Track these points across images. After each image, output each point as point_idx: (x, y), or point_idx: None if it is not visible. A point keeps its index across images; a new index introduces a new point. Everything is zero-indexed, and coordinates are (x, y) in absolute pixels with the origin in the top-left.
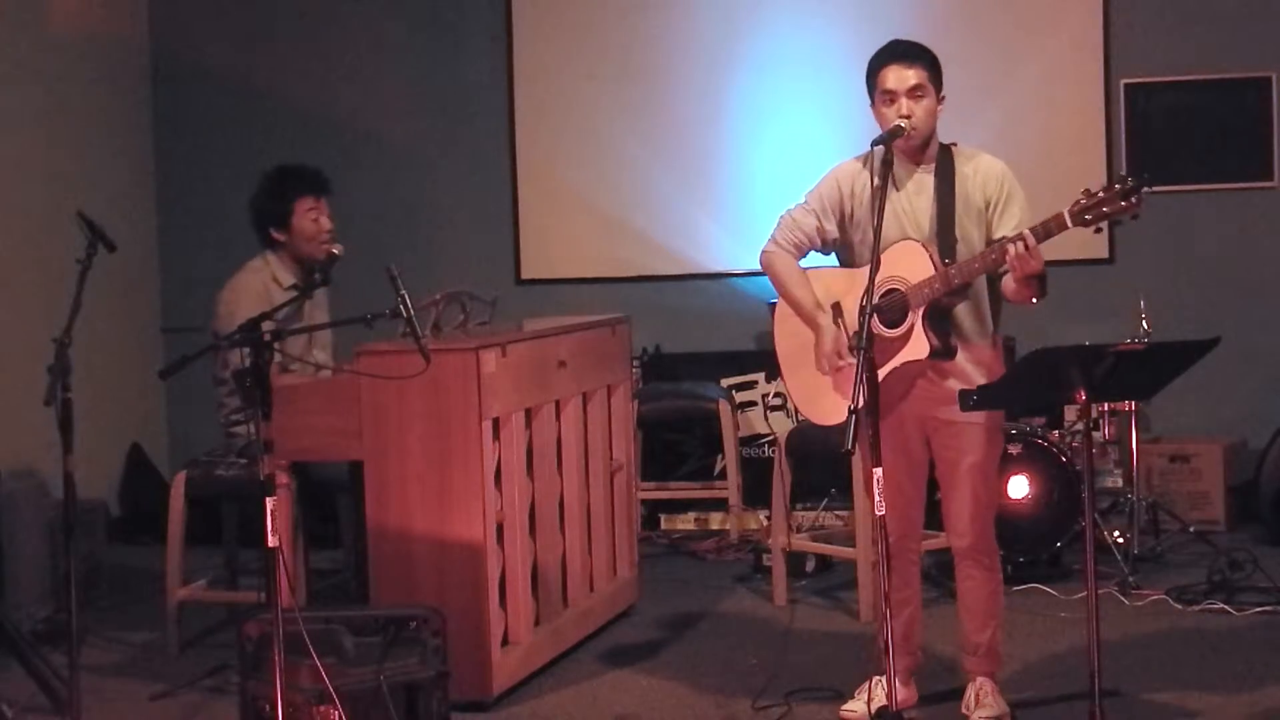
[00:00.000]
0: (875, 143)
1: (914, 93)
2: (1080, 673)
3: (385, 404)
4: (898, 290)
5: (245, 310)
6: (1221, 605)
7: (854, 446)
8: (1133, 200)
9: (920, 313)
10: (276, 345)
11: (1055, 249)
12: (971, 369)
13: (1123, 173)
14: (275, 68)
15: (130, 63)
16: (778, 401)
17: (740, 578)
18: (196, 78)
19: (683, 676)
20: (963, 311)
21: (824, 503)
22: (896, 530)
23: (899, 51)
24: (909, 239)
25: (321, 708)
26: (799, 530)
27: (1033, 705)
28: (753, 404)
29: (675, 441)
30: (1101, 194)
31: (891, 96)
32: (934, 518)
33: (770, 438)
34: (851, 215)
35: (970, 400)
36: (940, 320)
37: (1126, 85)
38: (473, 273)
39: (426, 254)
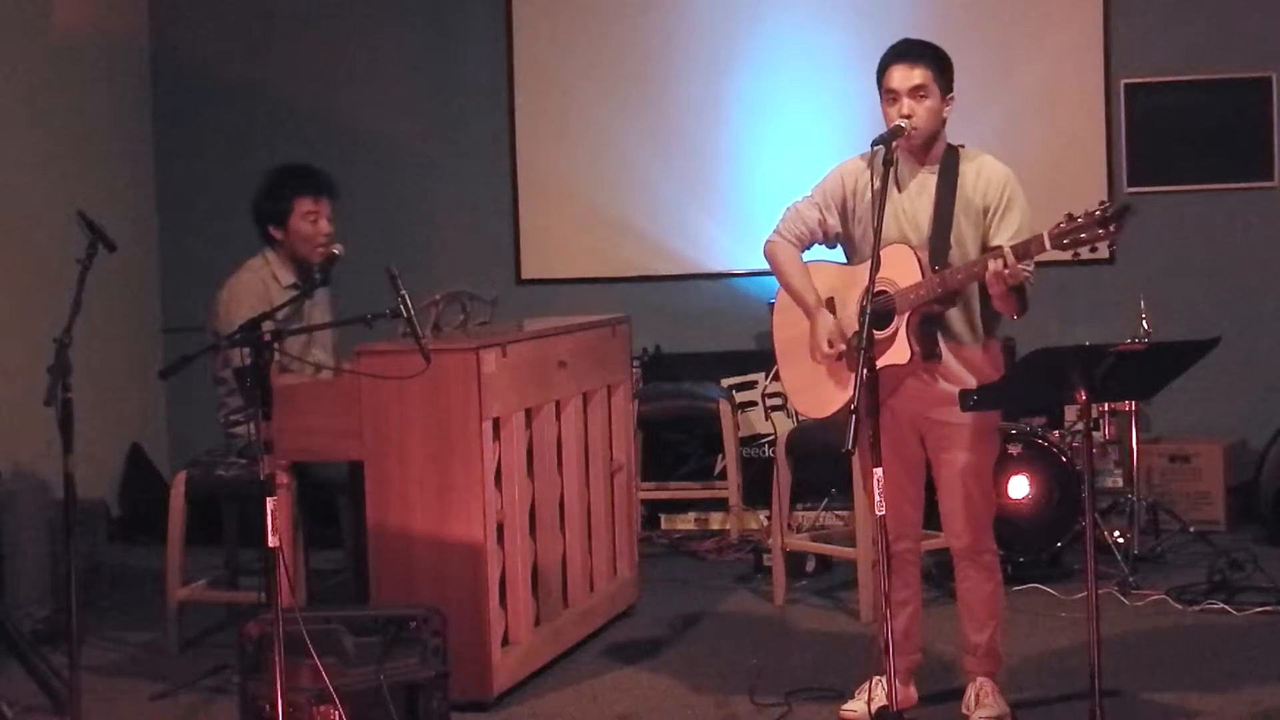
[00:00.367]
0: (875, 143)
1: (916, 93)
2: (1080, 673)
3: (385, 404)
4: (886, 293)
5: (245, 310)
6: (1221, 605)
7: (854, 446)
8: (1111, 229)
9: (905, 318)
10: (276, 345)
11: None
12: (963, 371)
13: (1103, 200)
14: (275, 68)
15: (131, 63)
16: (778, 401)
17: (740, 578)
18: (197, 78)
19: (683, 676)
20: (954, 315)
21: (824, 503)
22: (895, 530)
23: (904, 51)
24: (900, 243)
25: (322, 708)
26: (799, 530)
27: (1033, 705)
28: (753, 404)
29: (675, 441)
30: (1081, 220)
31: (894, 96)
32: (934, 517)
33: (770, 437)
34: (854, 211)
35: (971, 400)
36: (927, 326)
37: (1126, 85)
38: (473, 273)
39: (426, 254)
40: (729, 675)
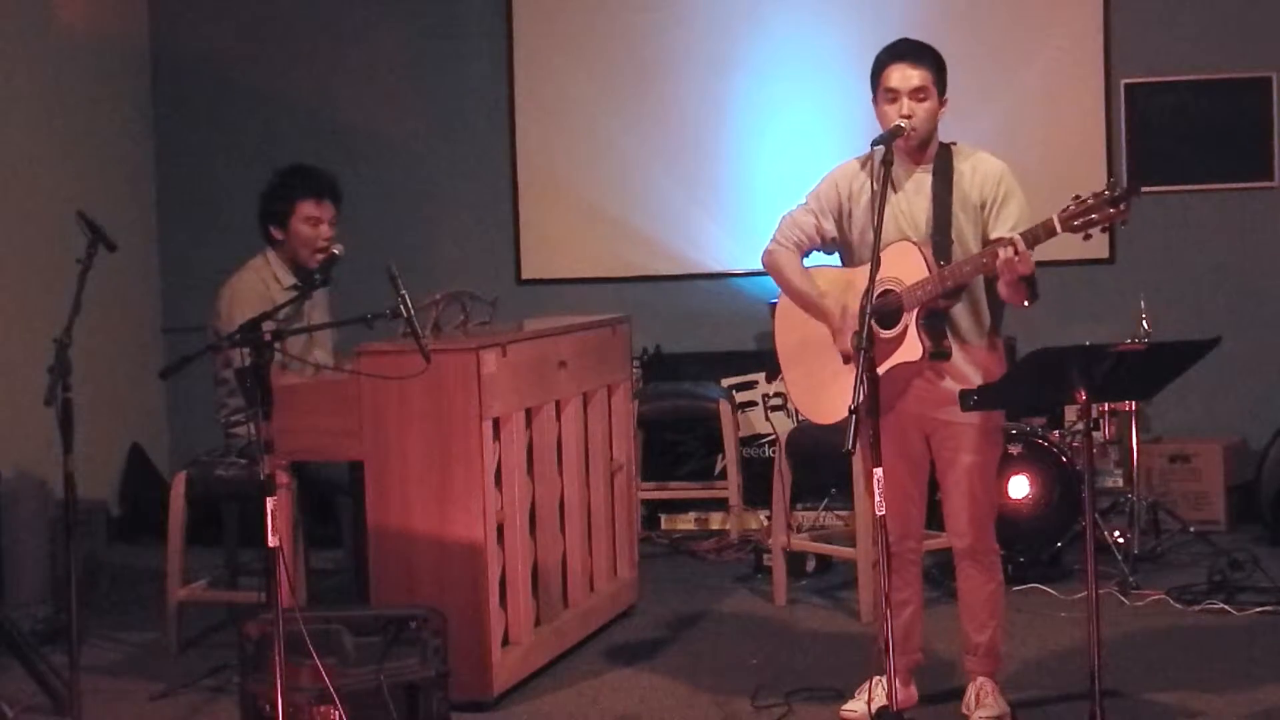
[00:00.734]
0: (875, 143)
1: (917, 94)
2: (1080, 673)
3: (385, 404)
4: (892, 291)
5: (246, 309)
6: (1221, 605)
7: (854, 446)
8: (1121, 207)
9: (914, 315)
10: (277, 345)
11: (1056, 249)
12: (969, 370)
13: (1112, 178)
14: (276, 68)
15: (131, 62)
16: (778, 401)
17: (740, 578)
18: (197, 78)
19: (683, 676)
20: (960, 312)
21: (824, 503)
22: (896, 530)
23: (904, 51)
24: (905, 240)
25: (322, 708)
26: (799, 530)
27: (1033, 705)
28: (753, 404)
29: (675, 441)
30: (1090, 200)
31: (894, 95)
32: (935, 517)
33: (770, 438)
34: (849, 215)
35: (971, 400)
36: (935, 322)
37: (1126, 85)
38: (473, 273)
39: (426, 254)
40: (729, 675)
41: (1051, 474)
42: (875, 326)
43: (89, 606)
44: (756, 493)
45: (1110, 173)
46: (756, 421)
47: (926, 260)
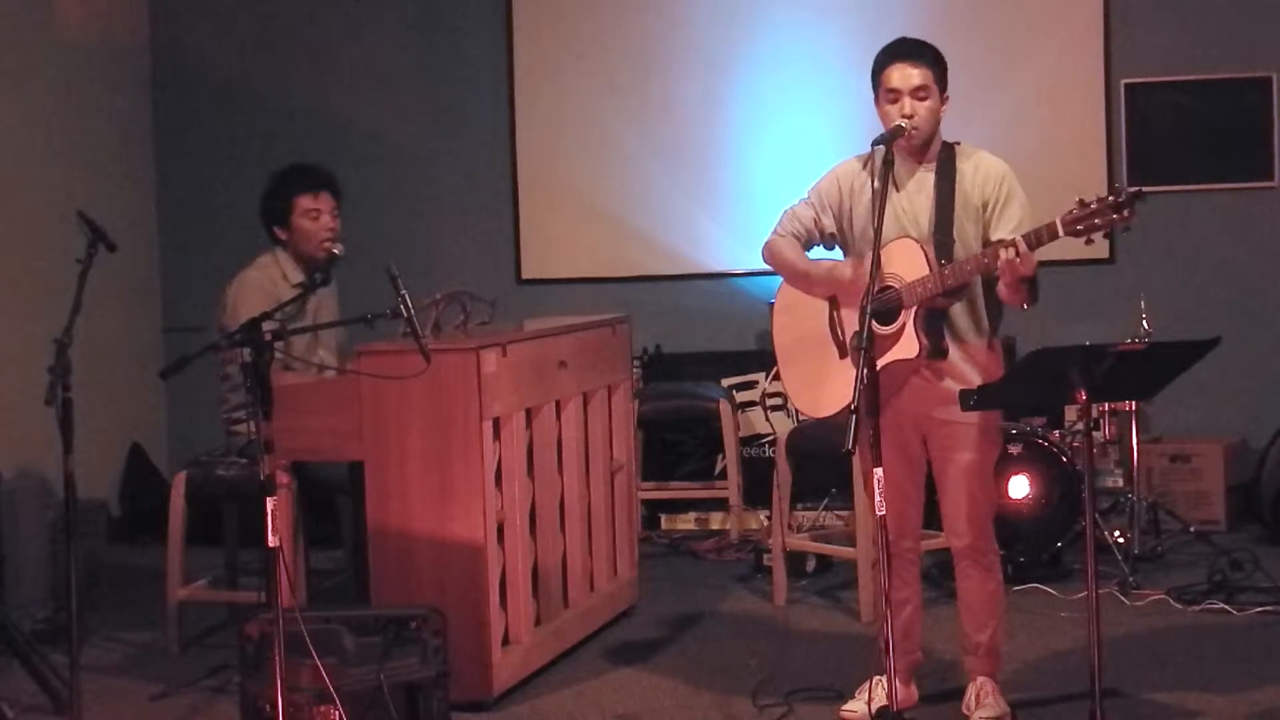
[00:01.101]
0: (876, 143)
1: (918, 93)
2: (1080, 673)
3: (385, 404)
4: (892, 288)
5: (251, 306)
6: (1221, 605)
7: (854, 446)
8: (1125, 213)
9: (912, 312)
10: (278, 345)
11: (1056, 249)
12: (967, 368)
13: (1118, 184)
14: (275, 68)
15: (131, 64)
16: (778, 401)
17: (740, 578)
18: (197, 78)
19: (683, 676)
20: (958, 311)
21: (824, 503)
22: (894, 530)
23: (905, 50)
24: (906, 237)
25: (322, 708)
26: (799, 530)
27: (1033, 705)
28: (753, 404)
29: (675, 441)
30: (1094, 205)
31: (895, 95)
32: (934, 517)
33: (770, 437)
34: (850, 213)
35: (971, 400)
36: (933, 320)
37: (1126, 85)
38: (473, 273)
39: (426, 254)
40: (729, 675)
41: (1051, 474)
42: (873, 322)
43: (89, 606)
44: (756, 493)
45: (1110, 172)
46: (756, 421)
47: (928, 258)
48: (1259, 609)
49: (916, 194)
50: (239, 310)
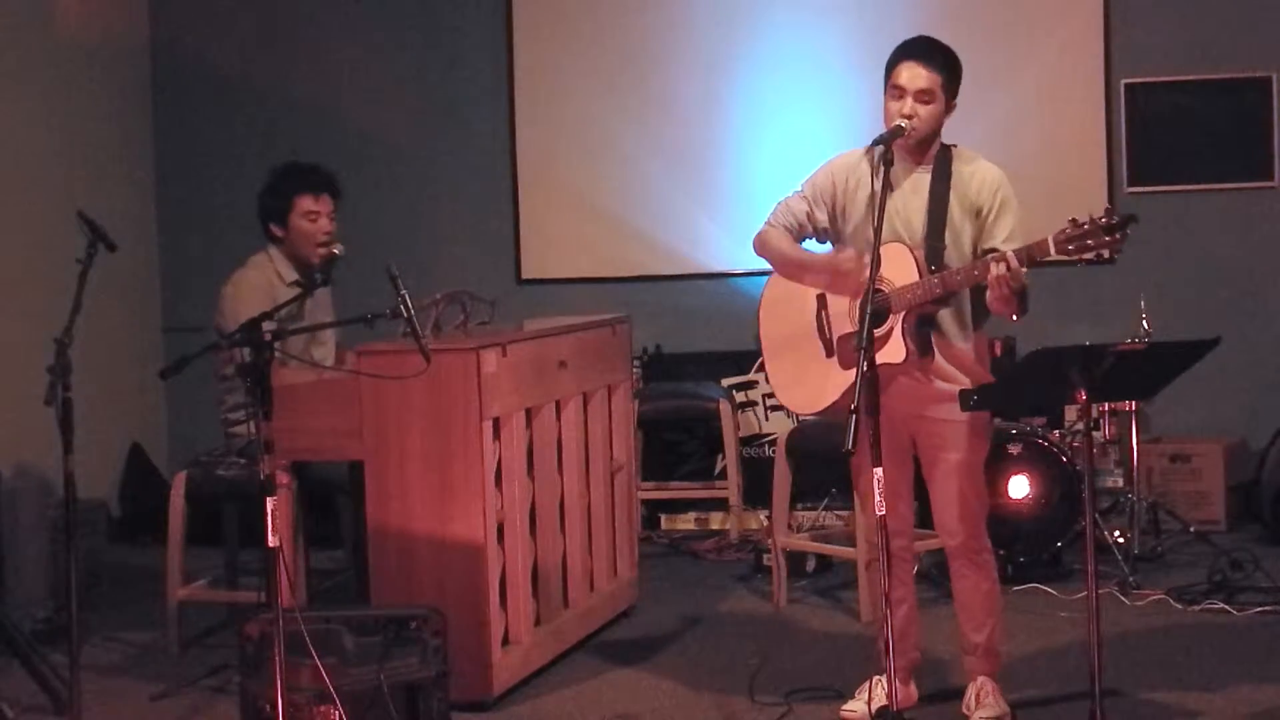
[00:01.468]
0: (876, 142)
1: (922, 95)
2: (1080, 672)
3: (385, 404)
4: (882, 292)
5: (249, 306)
6: (1221, 605)
7: (855, 446)
8: (1116, 236)
9: (900, 317)
10: (277, 345)
11: None
12: (952, 369)
13: (1109, 206)
14: (275, 68)
15: (131, 64)
16: (778, 401)
17: (740, 578)
18: (197, 79)
19: (683, 676)
20: (944, 312)
21: (824, 503)
22: (892, 528)
23: (919, 50)
24: (898, 242)
25: (322, 708)
26: (799, 530)
27: (1033, 705)
28: (753, 404)
29: (675, 441)
30: (1087, 225)
31: (899, 93)
32: (929, 517)
33: (770, 437)
34: (844, 209)
35: (971, 400)
36: (921, 325)
37: (1126, 85)
38: (473, 273)
39: (426, 254)
40: (729, 675)
41: (1051, 474)
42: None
43: (89, 606)
44: (756, 493)
45: (1110, 172)
46: (757, 421)
47: (918, 264)
48: (1259, 609)
49: (911, 195)
50: (238, 311)
